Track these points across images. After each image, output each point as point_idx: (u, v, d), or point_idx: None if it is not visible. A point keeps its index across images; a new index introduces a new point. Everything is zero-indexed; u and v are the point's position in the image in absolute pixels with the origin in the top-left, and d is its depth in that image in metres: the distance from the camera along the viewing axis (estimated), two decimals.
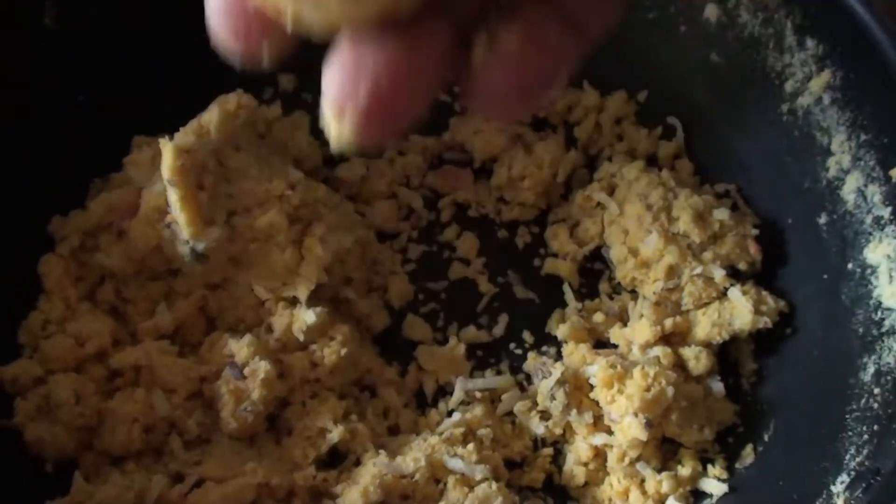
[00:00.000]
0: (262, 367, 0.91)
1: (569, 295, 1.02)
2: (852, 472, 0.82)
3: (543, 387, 0.95)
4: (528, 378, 0.99)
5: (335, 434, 0.91)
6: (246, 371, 0.91)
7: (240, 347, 0.92)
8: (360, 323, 1.00)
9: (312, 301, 0.95)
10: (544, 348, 1.01)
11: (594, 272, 1.05)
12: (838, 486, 0.83)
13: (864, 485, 0.80)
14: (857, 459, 0.83)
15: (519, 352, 1.01)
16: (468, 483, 0.90)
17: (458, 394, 0.96)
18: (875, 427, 0.83)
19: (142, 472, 0.89)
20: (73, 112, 1.01)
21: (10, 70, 0.96)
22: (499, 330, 1.02)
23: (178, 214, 0.91)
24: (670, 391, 0.91)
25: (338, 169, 1.06)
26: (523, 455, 0.96)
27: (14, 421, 0.90)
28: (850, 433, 0.85)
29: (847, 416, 0.86)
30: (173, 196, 0.90)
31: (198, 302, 0.96)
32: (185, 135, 0.93)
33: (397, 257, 1.05)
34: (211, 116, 0.95)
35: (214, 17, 0.50)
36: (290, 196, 0.95)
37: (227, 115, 0.96)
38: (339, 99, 0.48)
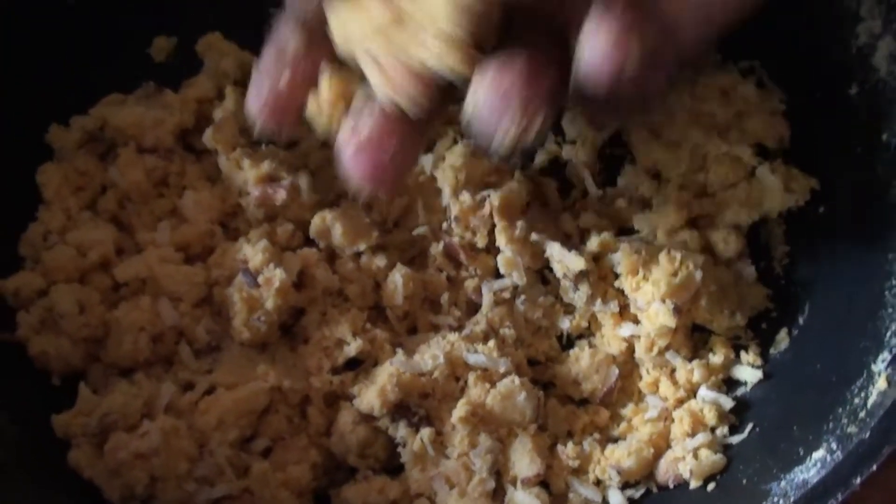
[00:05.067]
0: (278, 276, 0.87)
1: (589, 181, 0.97)
2: (894, 350, 0.79)
3: (566, 276, 0.91)
4: (550, 270, 0.94)
5: (353, 347, 0.88)
6: (260, 279, 0.87)
7: (254, 253, 0.88)
8: None
9: None
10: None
11: (614, 157, 0.99)
12: (879, 365, 0.79)
13: None
14: None
15: None
16: (490, 379, 0.86)
17: (487, 297, 0.92)
18: None
19: (151, 382, 0.87)
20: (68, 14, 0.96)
21: None
22: None
23: None
24: (698, 275, 0.87)
25: None
26: (548, 355, 0.92)
27: (17, 334, 0.87)
28: (890, 310, 0.81)
29: (886, 293, 0.82)
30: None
31: (208, 229, 0.93)
32: None
33: None
34: None
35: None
36: None
37: None
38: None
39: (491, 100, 0.65)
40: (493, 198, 0.91)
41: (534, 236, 0.91)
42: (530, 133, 0.65)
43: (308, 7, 0.73)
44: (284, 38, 0.74)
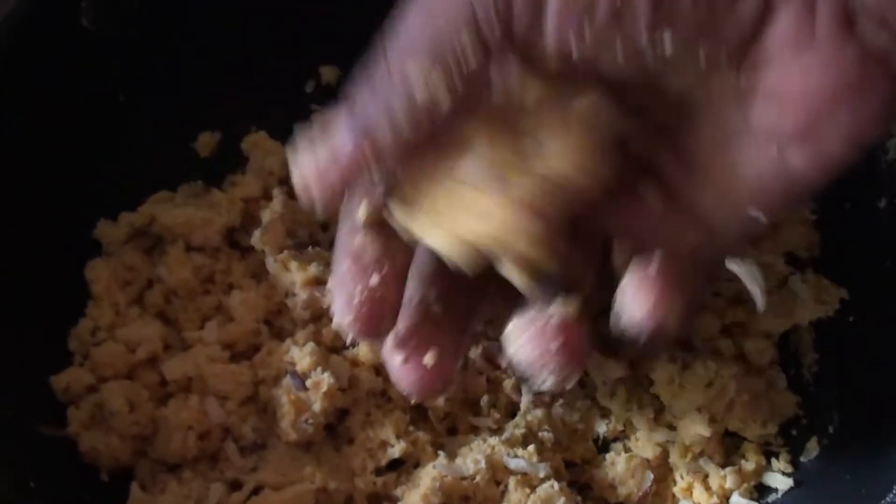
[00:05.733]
0: (325, 380, 0.89)
1: None
2: None
3: (604, 382, 0.93)
4: (587, 374, 0.96)
5: (397, 449, 0.90)
6: (308, 382, 0.89)
7: (302, 356, 0.91)
8: None
9: None
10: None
11: None
12: None
13: None
14: None
15: None
16: (529, 484, 0.88)
17: (526, 396, 0.94)
18: None
19: (199, 480, 0.88)
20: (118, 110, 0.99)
21: (46, 70, 0.93)
22: None
23: None
24: (732, 385, 0.89)
25: None
26: (585, 458, 0.94)
27: (67, 430, 0.89)
28: None
29: None
30: None
31: (254, 328, 0.95)
32: None
33: None
34: None
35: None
36: None
37: None
38: None
39: (529, 358, 0.70)
40: None
41: None
42: (568, 383, 0.71)
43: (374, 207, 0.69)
44: (359, 245, 0.71)
